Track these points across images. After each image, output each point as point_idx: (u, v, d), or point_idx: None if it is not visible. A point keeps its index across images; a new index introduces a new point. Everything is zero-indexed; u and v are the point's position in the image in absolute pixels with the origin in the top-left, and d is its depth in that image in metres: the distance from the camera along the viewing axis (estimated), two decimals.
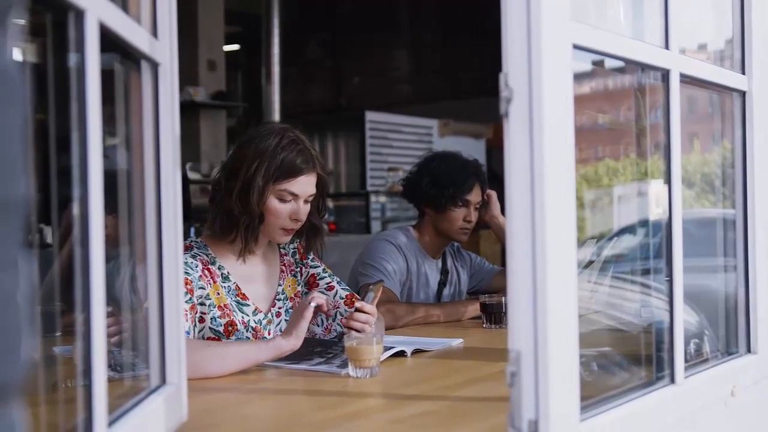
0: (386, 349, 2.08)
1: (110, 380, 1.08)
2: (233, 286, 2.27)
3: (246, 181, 2.19)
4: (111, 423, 1.10)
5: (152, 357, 1.38)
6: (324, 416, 1.62)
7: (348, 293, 2.42)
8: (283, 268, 2.42)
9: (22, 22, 0.61)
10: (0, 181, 0.55)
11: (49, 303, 1.66)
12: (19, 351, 0.57)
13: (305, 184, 2.24)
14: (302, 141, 2.25)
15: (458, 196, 3.03)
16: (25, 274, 0.59)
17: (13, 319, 0.56)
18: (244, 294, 2.28)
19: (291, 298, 2.40)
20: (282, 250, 2.44)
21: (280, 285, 2.39)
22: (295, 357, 2.06)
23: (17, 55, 0.58)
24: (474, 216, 3.07)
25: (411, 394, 1.79)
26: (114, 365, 1.34)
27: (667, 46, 1.54)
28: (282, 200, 2.22)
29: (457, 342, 2.41)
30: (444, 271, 3.19)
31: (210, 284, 2.21)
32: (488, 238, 6.25)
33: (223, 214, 2.24)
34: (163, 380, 1.39)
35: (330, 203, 7.85)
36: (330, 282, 2.44)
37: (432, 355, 2.26)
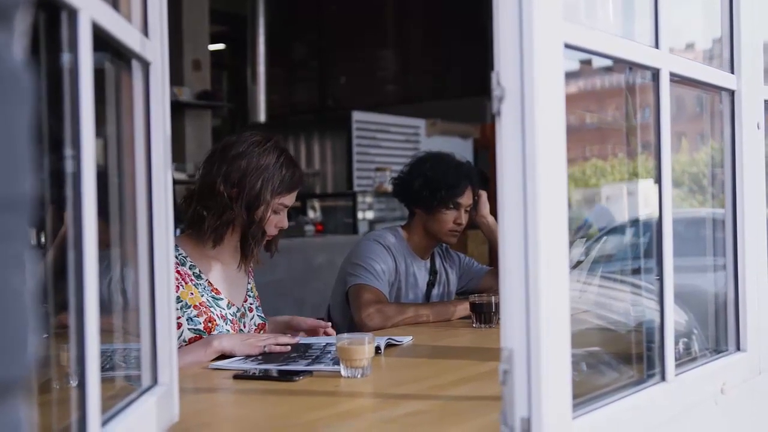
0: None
1: (101, 380, 1.08)
2: (206, 283, 2.35)
3: (253, 196, 2.31)
4: (104, 423, 1.09)
5: (144, 357, 1.38)
6: (316, 416, 1.61)
7: (261, 322, 2.53)
8: (250, 269, 2.54)
9: (28, 21, 0.61)
10: (8, 179, 0.55)
11: (39, 304, 1.65)
12: (26, 348, 0.57)
13: (295, 197, 2.43)
14: (293, 157, 2.44)
15: (450, 198, 3.03)
16: (31, 272, 0.59)
17: (20, 316, 0.57)
18: (217, 289, 2.37)
19: (257, 297, 2.54)
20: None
21: (249, 283, 2.52)
22: (279, 360, 2.07)
23: (23, 53, 0.58)
24: (464, 218, 3.07)
25: (402, 394, 1.79)
26: (104, 365, 1.34)
27: (657, 46, 1.55)
28: (276, 212, 2.37)
29: (407, 339, 2.42)
30: (433, 272, 3.19)
31: (182, 285, 2.28)
32: (475, 238, 6.26)
33: (225, 224, 2.32)
34: (154, 380, 1.38)
35: (316, 204, 7.85)
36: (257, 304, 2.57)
37: (423, 355, 2.27)
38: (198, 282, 2.33)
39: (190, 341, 2.23)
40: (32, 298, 0.59)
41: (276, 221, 2.37)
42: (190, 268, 2.33)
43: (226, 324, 2.33)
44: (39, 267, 1.17)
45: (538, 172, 1.17)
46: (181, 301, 2.26)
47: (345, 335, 1.98)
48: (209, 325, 2.28)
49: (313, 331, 2.47)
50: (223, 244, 2.37)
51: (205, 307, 2.30)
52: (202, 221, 2.31)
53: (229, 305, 2.38)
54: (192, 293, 2.30)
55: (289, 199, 2.39)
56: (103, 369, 1.13)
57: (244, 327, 2.42)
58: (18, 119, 0.56)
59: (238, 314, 2.41)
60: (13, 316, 0.56)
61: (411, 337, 2.45)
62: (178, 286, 2.25)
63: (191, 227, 2.37)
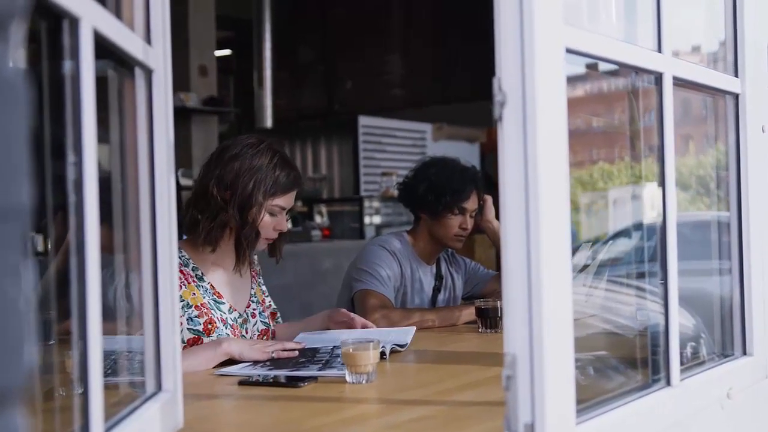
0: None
1: (105, 387, 1.08)
2: (208, 286, 2.35)
3: (245, 197, 2.30)
4: (107, 430, 1.10)
5: (148, 364, 1.38)
6: (321, 422, 1.61)
7: (273, 311, 2.60)
8: (253, 274, 2.54)
9: (24, 29, 0.62)
10: (3, 188, 0.56)
11: (44, 311, 1.65)
12: (22, 356, 0.57)
13: (292, 199, 2.41)
14: (289, 158, 2.42)
15: (455, 203, 3.02)
16: (27, 280, 0.59)
17: (16, 324, 0.57)
18: (219, 293, 2.37)
19: (261, 302, 2.53)
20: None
21: (252, 288, 2.51)
22: (289, 366, 2.06)
23: (20, 62, 0.59)
24: (470, 223, 3.06)
25: (407, 399, 1.79)
26: (107, 370, 1.34)
27: (659, 50, 1.55)
28: (271, 214, 2.36)
29: (411, 331, 2.46)
30: (438, 277, 3.19)
31: (185, 285, 2.29)
32: (483, 243, 6.25)
33: (219, 226, 2.31)
34: (158, 387, 1.39)
35: (323, 208, 7.85)
36: (270, 302, 2.60)
37: (428, 360, 2.27)
38: (200, 284, 2.33)
39: (189, 342, 2.24)
40: (29, 306, 0.59)
41: (274, 224, 2.36)
42: (192, 270, 2.34)
43: (226, 328, 2.33)
44: (44, 274, 1.17)
45: (540, 177, 1.17)
46: (183, 300, 2.26)
47: (350, 341, 1.98)
48: (209, 327, 2.28)
49: (346, 324, 2.50)
50: (223, 249, 2.36)
51: (206, 309, 2.30)
52: (197, 225, 2.31)
53: (231, 310, 2.38)
54: (194, 293, 2.30)
55: (285, 201, 2.36)
56: (106, 374, 1.13)
57: (246, 333, 2.42)
58: (14, 128, 0.56)
59: (240, 320, 2.40)
60: (9, 325, 0.56)
61: (414, 328, 2.49)
62: (180, 285, 2.25)
63: (189, 232, 2.37)
